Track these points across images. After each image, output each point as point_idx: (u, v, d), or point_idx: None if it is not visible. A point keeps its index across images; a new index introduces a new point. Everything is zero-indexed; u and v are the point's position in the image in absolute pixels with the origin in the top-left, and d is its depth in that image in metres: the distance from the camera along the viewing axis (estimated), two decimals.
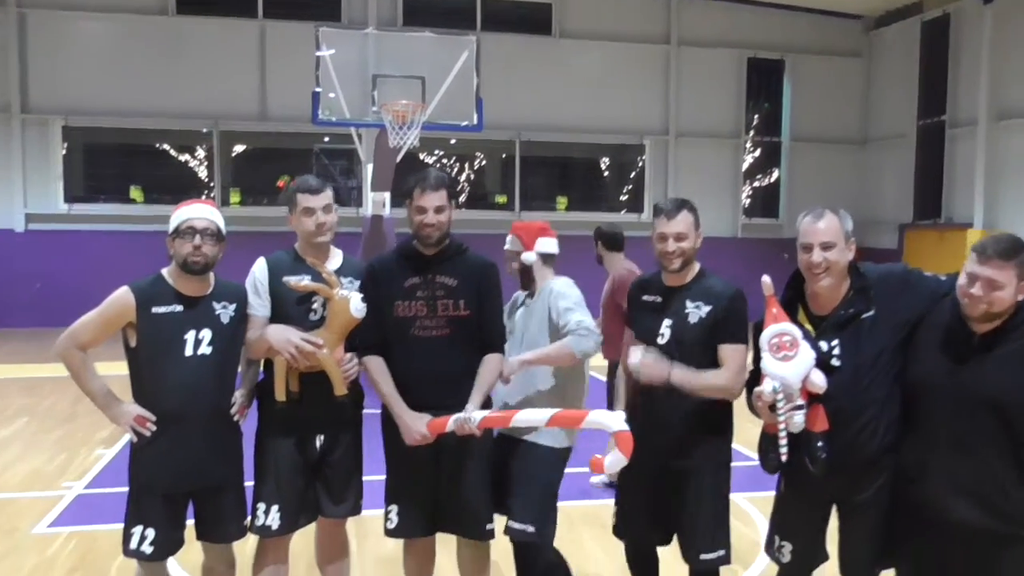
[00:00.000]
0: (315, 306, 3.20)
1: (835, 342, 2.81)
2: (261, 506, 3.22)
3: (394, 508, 3.29)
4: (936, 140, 15.19)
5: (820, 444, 2.73)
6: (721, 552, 3.13)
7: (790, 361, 2.72)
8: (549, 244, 3.57)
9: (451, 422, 3.06)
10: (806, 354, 2.73)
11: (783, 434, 2.74)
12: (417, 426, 3.11)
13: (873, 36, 16.87)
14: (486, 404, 3.21)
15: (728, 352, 3.02)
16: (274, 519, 3.20)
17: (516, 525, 3.32)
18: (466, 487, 3.24)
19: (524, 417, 3.06)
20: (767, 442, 2.83)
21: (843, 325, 2.82)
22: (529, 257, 3.51)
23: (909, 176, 15.75)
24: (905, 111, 15.83)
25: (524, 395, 3.39)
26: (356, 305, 3.12)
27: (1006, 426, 2.53)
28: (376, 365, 3.22)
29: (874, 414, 2.78)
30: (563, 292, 3.36)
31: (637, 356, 3.02)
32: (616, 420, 2.88)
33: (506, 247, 3.63)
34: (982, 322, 2.59)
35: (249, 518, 3.25)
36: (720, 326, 3.02)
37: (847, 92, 16.97)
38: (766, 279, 2.85)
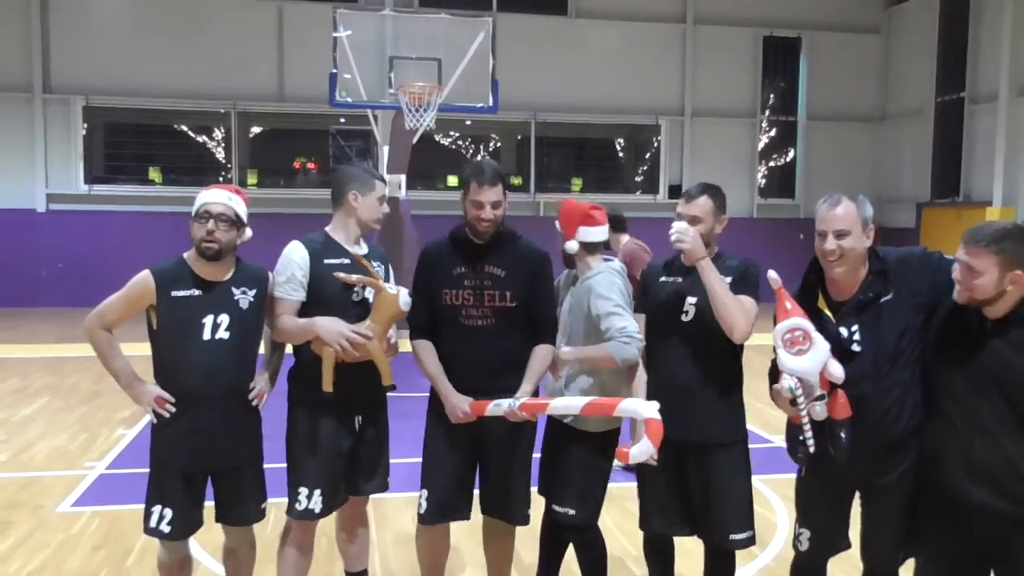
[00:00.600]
0: (357, 287, 3.25)
1: (855, 327, 2.82)
2: (303, 490, 3.26)
3: (425, 494, 3.31)
4: (955, 117, 15.04)
5: (842, 432, 2.74)
6: (750, 532, 3.16)
7: (805, 355, 2.72)
8: (591, 233, 3.43)
9: (491, 406, 3.10)
10: (821, 346, 2.73)
11: (807, 426, 2.74)
12: (461, 405, 3.15)
13: (892, 11, 16.66)
14: (535, 394, 3.23)
15: (741, 301, 3.05)
16: (317, 503, 3.25)
17: (558, 508, 3.37)
18: (513, 473, 3.30)
19: (561, 404, 3.08)
20: (794, 433, 2.84)
21: (862, 309, 2.82)
22: (572, 247, 3.42)
23: (927, 154, 15.62)
24: (924, 87, 15.67)
25: (574, 390, 3.38)
26: (404, 299, 3.15)
27: (1017, 411, 2.55)
28: (423, 347, 3.27)
29: (898, 396, 2.78)
30: (604, 294, 3.27)
31: (682, 226, 3.04)
32: (649, 408, 2.86)
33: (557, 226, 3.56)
34: (990, 305, 2.59)
35: (287, 502, 3.31)
36: (735, 285, 3.07)
37: (864, 69, 16.82)
38: (772, 274, 2.85)
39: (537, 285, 3.27)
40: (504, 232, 3.26)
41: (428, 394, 3.34)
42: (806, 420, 2.74)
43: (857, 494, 2.98)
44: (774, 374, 2.89)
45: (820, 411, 2.75)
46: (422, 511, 3.32)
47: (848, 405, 2.75)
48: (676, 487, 3.20)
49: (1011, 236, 2.54)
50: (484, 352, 3.20)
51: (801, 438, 2.78)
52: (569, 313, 3.44)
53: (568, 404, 3.08)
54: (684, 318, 3.14)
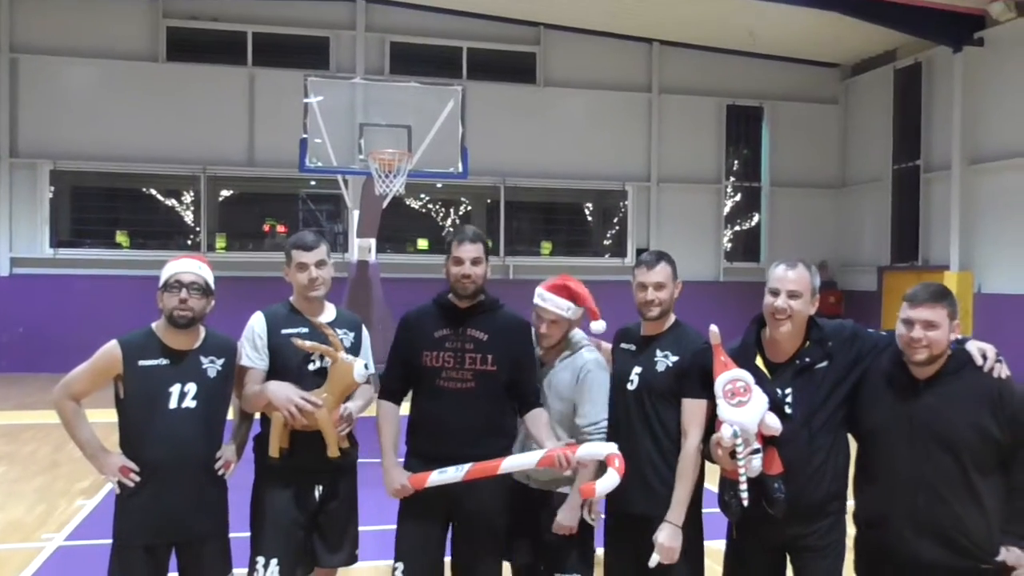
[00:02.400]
0: (313, 356, 3.26)
1: (788, 390, 2.93)
2: (260, 559, 3.23)
3: (400, 567, 3.25)
4: (912, 184, 15.50)
5: (777, 486, 2.83)
6: None
7: (745, 406, 2.81)
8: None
9: (434, 475, 3.09)
10: (760, 398, 2.83)
11: (743, 478, 2.81)
12: (399, 478, 3.14)
13: (849, 83, 17.28)
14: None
15: (687, 408, 3.09)
16: (273, 572, 3.21)
17: None
18: (483, 546, 3.25)
19: (514, 463, 3.07)
20: (727, 488, 2.90)
21: (797, 373, 2.94)
22: (599, 327, 3.39)
23: (886, 219, 16.04)
24: (881, 156, 16.17)
25: (552, 475, 3.32)
26: (359, 371, 3.16)
27: (958, 463, 2.68)
28: (386, 412, 3.30)
29: (822, 460, 2.90)
30: (599, 379, 3.27)
31: (656, 559, 3.03)
32: (607, 447, 2.96)
33: (546, 306, 3.33)
34: (923, 366, 2.74)
35: (247, 570, 3.26)
36: (684, 378, 3.11)
37: (824, 138, 17.34)
38: (714, 328, 2.98)
39: (521, 354, 3.31)
40: (487, 299, 3.32)
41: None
42: (743, 472, 2.80)
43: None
44: (709, 430, 2.99)
45: (756, 465, 2.83)
46: None
47: (780, 461, 2.85)
48: (632, 554, 3.18)
49: (948, 292, 2.78)
50: (461, 416, 3.20)
51: (734, 492, 2.84)
52: (547, 389, 3.38)
53: (522, 461, 3.06)
54: (630, 386, 3.21)
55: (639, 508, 3.15)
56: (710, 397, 3.00)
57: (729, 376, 2.86)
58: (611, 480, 2.89)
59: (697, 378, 3.07)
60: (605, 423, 3.26)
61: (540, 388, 3.38)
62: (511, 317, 3.35)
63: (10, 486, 6.99)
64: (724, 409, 2.83)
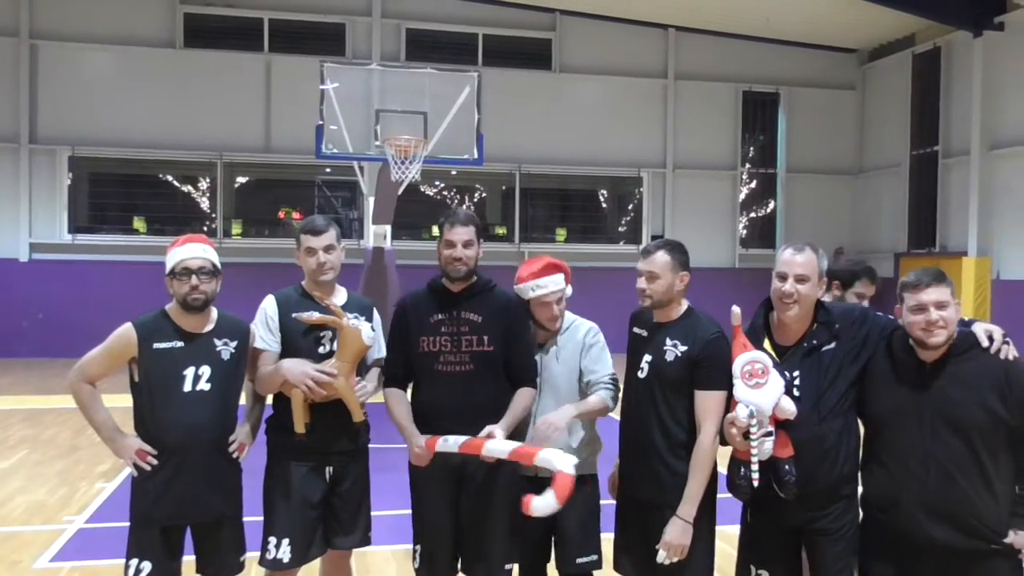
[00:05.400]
0: (323, 339, 3.30)
1: (796, 373, 2.93)
2: (272, 539, 3.27)
3: (419, 548, 3.32)
4: (930, 170, 15.37)
5: (788, 468, 2.84)
6: None
7: (762, 388, 2.83)
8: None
9: (440, 442, 3.11)
10: (777, 381, 2.84)
11: (755, 460, 2.83)
12: (418, 441, 3.18)
13: (866, 69, 17.11)
14: (517, 436, 3.24)
15: (702, 400, 3.03)
16: (285, 552, 3.25)
17: (585, 559, 3.33)
18: (489, 528, 3.26)
19: (492, 447, 3.07)
20: (738, 468, 2.91)
21: (805, 356, 2.95)
22: (568, 291, 3.45)
23: (904, 205, 15.92)
24: (899, 142, 16.04)
25: (563, 445, 3.30)
26: (367, 333, 3.23)
27: (968, 445, 2.70)
28: (394, 395, 3.33)
29: (832, 443, 2.90)
30: (600, 339, 3.41)
31: (663, 555, 3.01)
32: (563, 462, 2.85)
33: (549, 289, 3.35)
34: (932, 350, 2.76)
35: (259, 552, 3.30)
36: (696, 369, 3.06)
37: (841, 124, 17.21)
38: (736, 309, 2.98)
39: (515, 332, 3.32)
40: (479, 281, 3.34)
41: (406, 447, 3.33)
42: (755, 454, 2.82)
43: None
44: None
45: (768, 448, 2.84)
46: (416, 566, 3.34)
47: (790, 444, 2.86)
48: (641, 541, 3.16)
49: (944, 272, 2.82)
50: (462, 398, 3.22)
51: (744, 472, 2.85)
52: (547, 370, 3.41)
53: (498, 448, 3.07)
54: (640, 374, 3.17)
55: (646, 495, 3.15)
56: (725, 388, 2.99)
57: (748, 357, 2.87)
58: (548, 502, 2.80)
59: (711, 369, 3.03)
60: (614, 375, 3.37)
61: (547, 363, 3.39)
62: (504, 297, 3.38)
63: (32, 469, 7.10)
64: (741, 390, 2.84)
